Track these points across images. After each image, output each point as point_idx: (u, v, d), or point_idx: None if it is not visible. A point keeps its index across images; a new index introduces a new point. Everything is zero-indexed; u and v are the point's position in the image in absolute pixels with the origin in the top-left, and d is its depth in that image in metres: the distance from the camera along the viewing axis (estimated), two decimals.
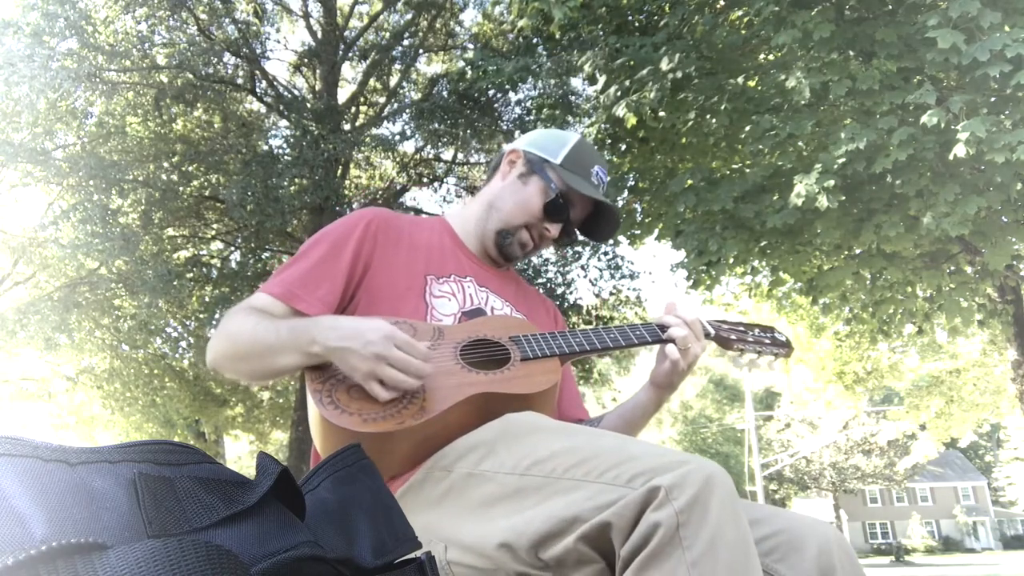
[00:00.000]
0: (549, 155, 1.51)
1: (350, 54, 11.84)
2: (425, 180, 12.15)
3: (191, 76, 9.78)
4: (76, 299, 11.16)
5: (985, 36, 4.58)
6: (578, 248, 11.01)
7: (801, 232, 6.20)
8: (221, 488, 0.57)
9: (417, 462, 1.16)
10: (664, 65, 5.96)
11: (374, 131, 10.70)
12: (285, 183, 9.25)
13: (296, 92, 11.73)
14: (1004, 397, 13.60)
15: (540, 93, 9.17)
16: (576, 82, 8.92)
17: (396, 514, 0.69)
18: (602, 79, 6.75)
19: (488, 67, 7.14)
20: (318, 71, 11.67)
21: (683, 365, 1.35)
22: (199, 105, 10.82)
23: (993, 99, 5.39)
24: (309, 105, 10.70)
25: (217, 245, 12.21)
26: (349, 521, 0.65)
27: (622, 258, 11.30)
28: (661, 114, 6.47)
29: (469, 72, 8.85)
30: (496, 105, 10.87)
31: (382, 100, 12.14)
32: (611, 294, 11.38)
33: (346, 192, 10.79)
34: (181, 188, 10.44)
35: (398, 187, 12.04)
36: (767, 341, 1.50)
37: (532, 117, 9.88)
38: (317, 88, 11.60)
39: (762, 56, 6.93)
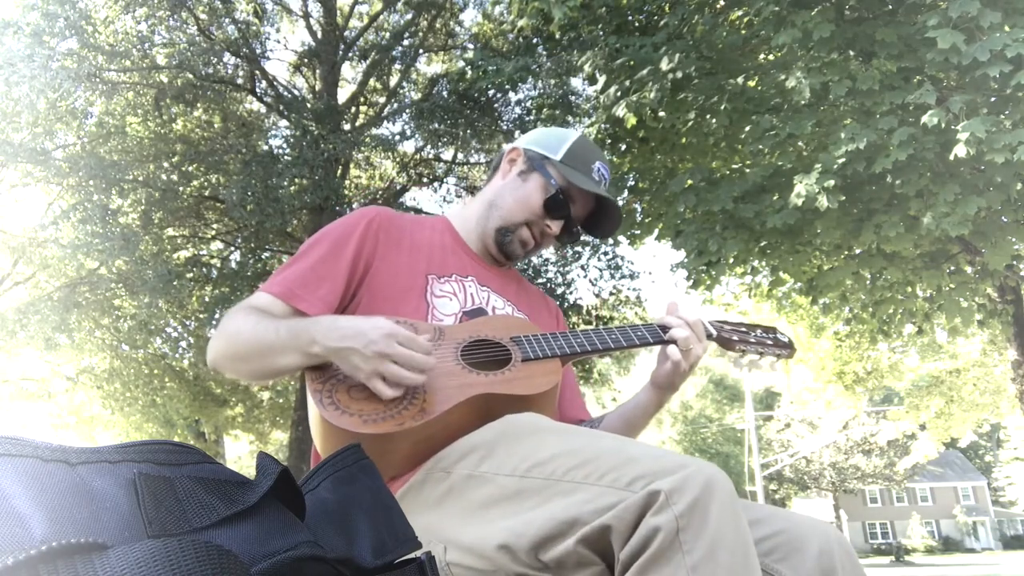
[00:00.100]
0: (549, 152, 1.50)
1: (350, 54, 11.85)
2: (425, 180, 12.15)
3: (191, 76, 9.79)
4: (76, 299, 11.16)
5: (985, 36, 4.58)
6: (578, 248, 11.02)
7: (801, 232, 6.19)
8: (221, 488, 0.57)
9: (417, 463, 1.16)
10: (664, 65, 5.95)
11: (374, 131, 10.70)
12: (285, 183, 9.25)
13: (296, 92, 11.74)
14: (1004, 397, 13.60)
15: (540, 93, 9.18)
16: (576, 82, 8.94)
17: (396, 514, 0.69)
18: (602, 79, 6.75)
19: (488, 67, 7.14)
20: (318, 71, 11.67)
21: (685, 366, 1.34)
22: (199, 105, 10.83)
23: (993, 99, 5.39)
24: (309, 105, 10.70)
25: (217, 245, 12.21)
26: (349, 521, 0.65)
27: (622, 258, 11.32)
28: (661, 114, 6.47)
29: (469, 72, 8.85)
30: (496, 105, 10.87)
31: (382, 100, 12.14)
32: (611, 294, 11.39)
33: (346, 192, 10.79)
34: (181, 188, 10.44)
35: (398, 187, 12.04)
36: (769, 342, 1.49)
37: (532, 117, 9.89)
38: (317, 88, 11.60)
39: (762, 56, 6.93)
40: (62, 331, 11.57)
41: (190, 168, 10.46)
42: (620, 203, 7.35)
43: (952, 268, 7.01)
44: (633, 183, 7.44)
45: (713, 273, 6.77)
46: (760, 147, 6.26)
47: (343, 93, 11.99)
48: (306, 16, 12.02)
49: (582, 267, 11.26)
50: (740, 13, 6.73)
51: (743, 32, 6.68)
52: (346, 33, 11.85)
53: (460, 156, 12.14)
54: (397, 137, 10.43)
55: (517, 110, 10.97)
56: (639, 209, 7.60)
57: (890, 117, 5.07)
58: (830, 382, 13.45)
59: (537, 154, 1.51)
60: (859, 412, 26.12)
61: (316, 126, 9.59)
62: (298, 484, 0.63)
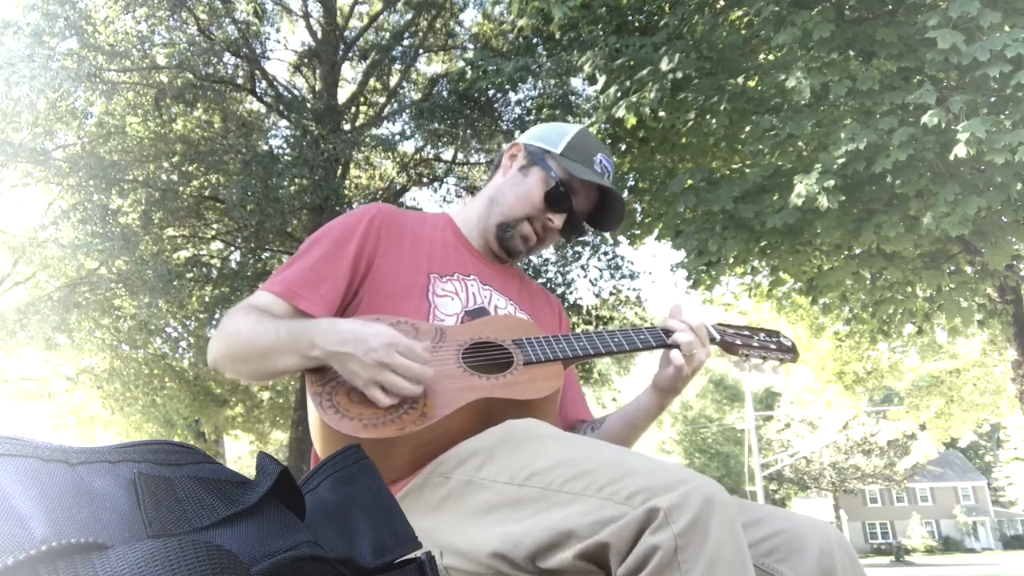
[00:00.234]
0: (550, 145, 1.49)
1: (350, 54, 11.85)
2: (425, 180, 12.15)
3: (191, 76, 9.79)
4: (76, 299, 11.16)
5: (985, 36, 4.58)
6: (578, 248, 11.02)
7: (801, 232, 6.19)
8: (221, 488, 0.57)
9: (417, 467, 1.15)
10: (664, 65, 5.95)
11: (374, 131, 10.71)
12: (285, 183, 9.25)
13: (296, 92, 11.74)
14: (1004, 397, 13.60)
15: (540, 93, 9.18)
16: (576, 82, 8.93)
17: (396, 514, 0.68)
18: (602, 79, 6.74)
19: (488, 67, 7.14)
20: (318, 71, 11.67)
21: (687, 371, 1.33)
22: (199, 105, 10.83)
23: (993, 99, 5.38)
24: (309, 105, 10.70)
25: (217, 245, 12.21)
26: (349, 521, 0.65)
27: (622, 258, 11.32)
28: (661, 114, 6.46)
29: (469, 72, 8.84)
30: (496, 105, 10.87)
31: (382, 100, 12.14)
32: (611, 294, 11.39)
33: (346, 192, 10.79)
34: (181, 188, 10.44)
35: (398, 187, 12.04)
36: (772, 346, 1.48)
37: (532, 117, 9.88)
38: (317, 88, 11.60)
39: (762, 56, 6.92)
40: (62, 331, 11.57)
41: (190, 168, 10.46)
42: None
43: (952, 268, 7.00)
44: (633, 183, 7.44)
45: (713, 273, 6.77)
46: (760, 147, 6.26)
47: (343, 93, 12.00)
48: (306, 16, 12.02)
49: (582, 267, 11.26)
50: (740, 13, 6.73)
51: (743, 32, 6.68)
52: (346, 33, 11.85)
53: (460, 156, 12.14)
54: (397, 137, 10.44)
55: (517, 110, 10.98)
56: (639, 209, 7.60)
57: (890, 117, 5.06)
58: (830, 382, 13.46)
59: (537, 148, 1.49)
60: (859, 412, 26.12)
61: (316, 126, 9.59)
62: (298, 484, 0.63)
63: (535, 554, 0.89)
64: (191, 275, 10.84)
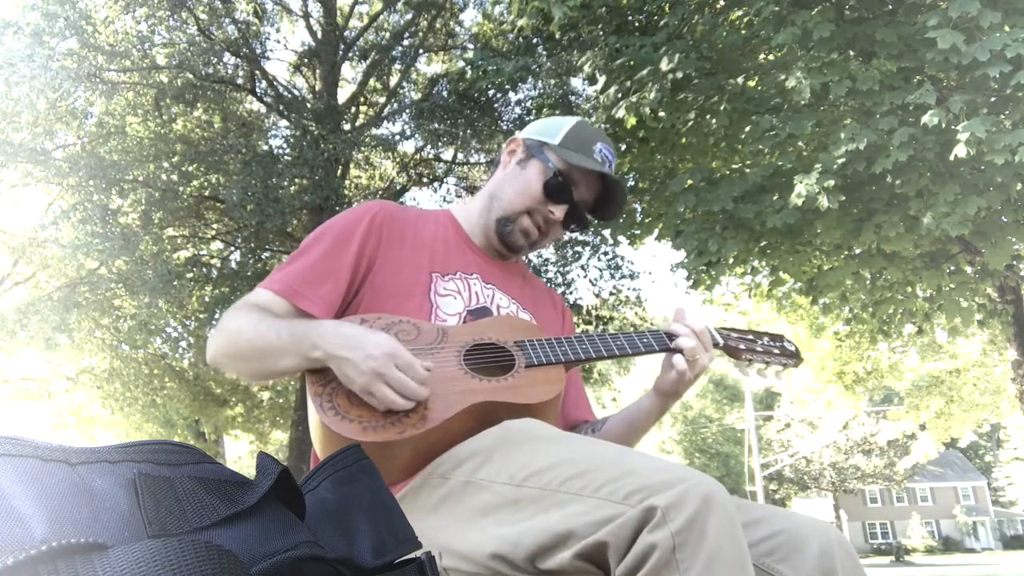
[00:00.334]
0: (548, 137, 1.47)
1: (350, 54, 11.85)
2: (425, 180, 12.15)
3: (191, 76, 9.79)
4: (76, 299, 11.16)
5: (985, 36, 4.58)
6: (578, 248, 11.02)
7: (801, 232, 6.19)
8: (221, 488, 0.57)
9: (417, 469, 1.15)
10: (664, 65, 5.95)
11: (374, 131, 10.71)
12: (285, 183, 9.25)
13: (296, 92, 11.74)
14: (1004, 397, 13.60)
15: (540, 93, 9.18)
16: (576, 82, 8.93)
17: (396, 514, 0.68)
18: (602, 79, 6.74)
19: (488, 67, 7.14)
20: (318, 71, 11.67)
21: (690, 375, 1.32)
22: (199, 105, 10.83)
23: (993, 99, 5.38)
24: (309, 105, 10.70)
25: (217, 245, 12.21)
26: (349, 521, 0.65)
27: (622, 258, 11.31)
28: (661, 114, 6.46)
29: (469, 72, 8.84)
30: (496, 105, 10.87)
31: (382, 100, 12.14)
32: (611, 294, 11.38)
33: (346, 192, 10.78)
34: (181, 188, 10.44)
35: (398, 187, 12.05)
36: (776, 351, 1.47)
37: (532, 117, 9.87)
38: (317, 88, 11.60)
39: (762, 56, 6.92)
40: (62, 331, 11.57)
41: (190, 168, 10.46)
42: None
43: (952, 268, 7.00)
44: (633, 183, 7.44)
45: (713, 273, 6.77)
46: (760, 147, 6.26)
47: (343, 93, 12.00)
48: (306, 16, 12.02)
49: (582, 267, 11.26)
50: (740, 13, 6.73)
51: (743, 32, 6.68)
52: (346, 33, 11.85)
53: (460, 156, 12.14)
54: (397, 137, 10.44)
55: (517, 110, 10.97)
56: (639, 209, 7.60)
57: (890, 117, 5.06)
58: (830, 382, 13.45)
59: (536, 141, 1.48)
60: (859, 412, 26.11)
61: (316, 126, 9.59)
62: (298, 484, 0.63)
63: (534, 555, 0.89)
64: (191, 275, 10.84)
